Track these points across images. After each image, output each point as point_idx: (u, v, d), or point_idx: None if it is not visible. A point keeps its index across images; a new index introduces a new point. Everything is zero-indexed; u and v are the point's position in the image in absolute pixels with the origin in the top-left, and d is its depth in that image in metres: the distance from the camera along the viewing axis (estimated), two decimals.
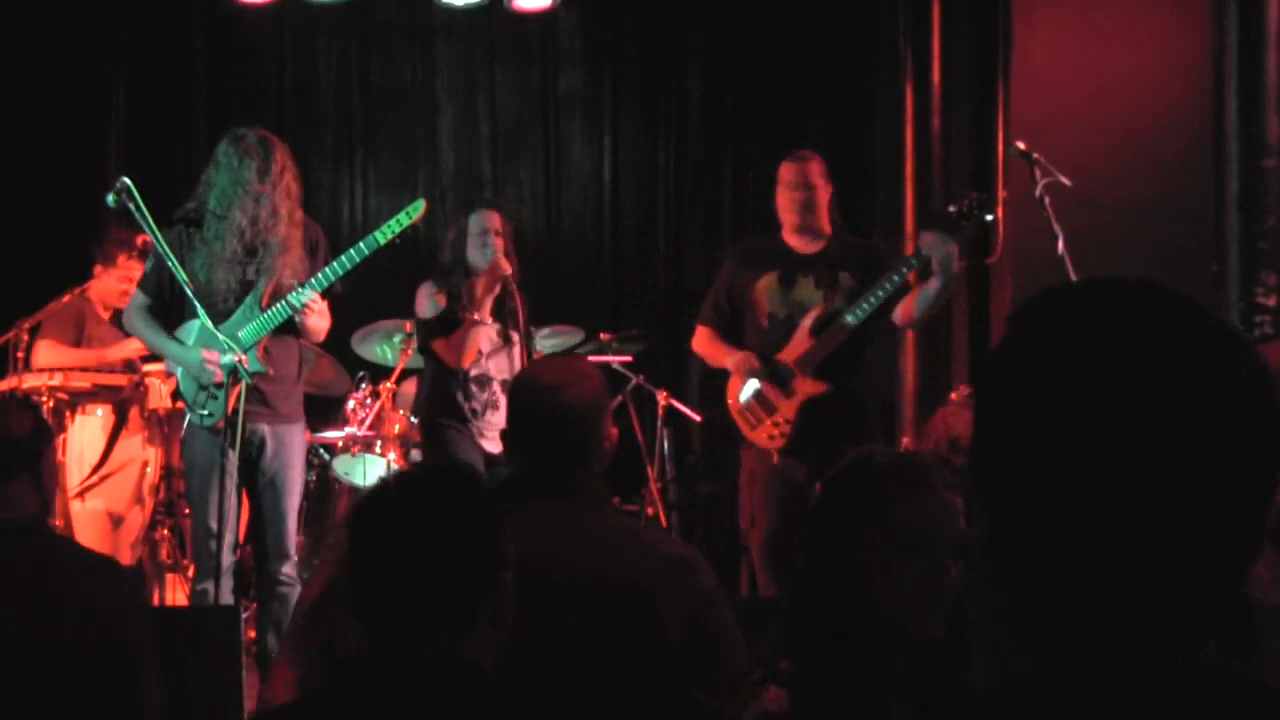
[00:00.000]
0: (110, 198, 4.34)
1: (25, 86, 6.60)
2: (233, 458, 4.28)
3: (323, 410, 6.07)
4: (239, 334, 4.38)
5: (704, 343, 4.95)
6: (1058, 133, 5.68)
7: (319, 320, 4.48)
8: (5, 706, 2.55)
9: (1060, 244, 4.44)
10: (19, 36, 6.64)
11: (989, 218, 4.77)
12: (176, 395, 4.60)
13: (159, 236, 4.30)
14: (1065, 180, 4.51)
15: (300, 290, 4.37)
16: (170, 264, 4.28)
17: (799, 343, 4.72)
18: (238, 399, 4.32)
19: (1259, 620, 2.30)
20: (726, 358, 4.82)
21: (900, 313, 4.68)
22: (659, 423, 6.13)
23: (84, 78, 6.78)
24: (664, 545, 2.57)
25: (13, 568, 2.61)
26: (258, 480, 4.46)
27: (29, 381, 5.45)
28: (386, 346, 5.90)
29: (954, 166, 6.38)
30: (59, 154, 6.61)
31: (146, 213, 4.30)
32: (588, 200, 7.42)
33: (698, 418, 6.31)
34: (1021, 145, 4.61)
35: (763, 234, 5.04)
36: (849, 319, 4.65)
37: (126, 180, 4.33)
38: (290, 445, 4.51)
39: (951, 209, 4.67)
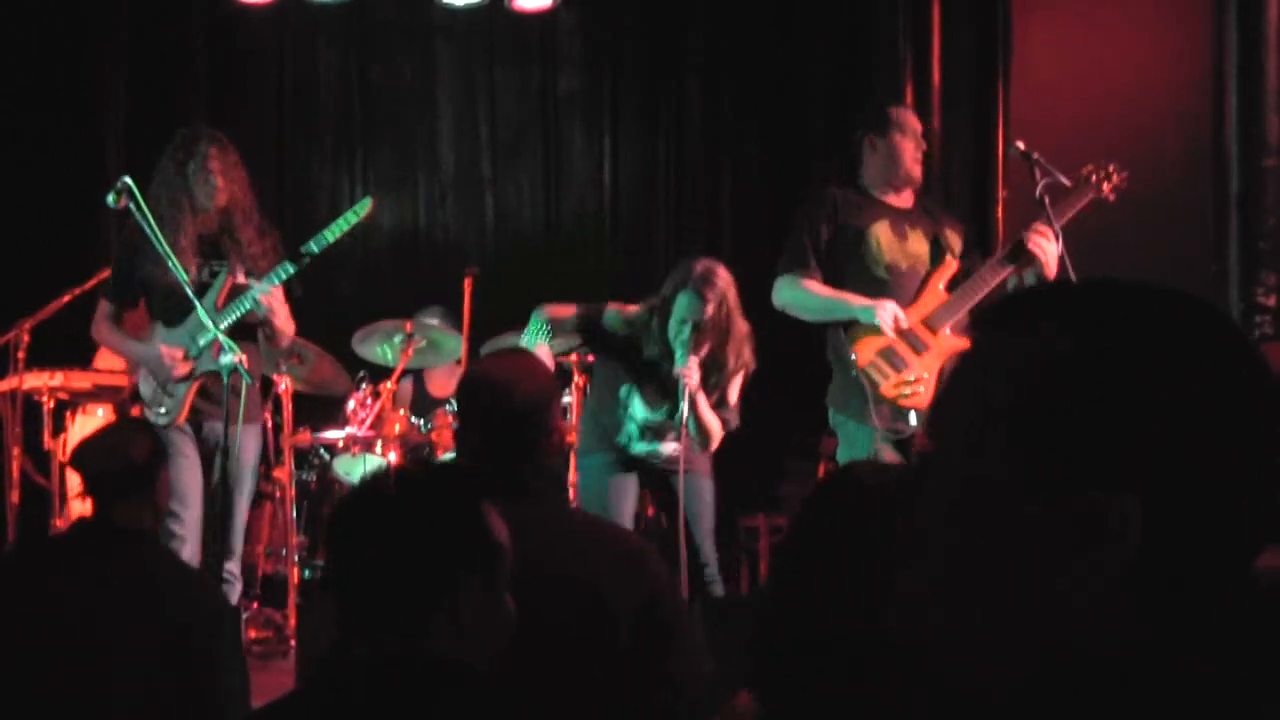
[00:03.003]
0: (110, 197, 4.37)
1: (25, 86, 6.60)
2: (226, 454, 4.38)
3: (323, 410, 6.08)
4: (197, 334, 4.45)
5: (803, 291, 4.49)
6: (1058, 133, 5.68)
7: (284, 320, 4.52)
8: (97, 699, 2.70)
9: (1059, 244, 4.44)
10: (19, 36, 6.64)
11: (1106, 188, 4.54)
12: (134, 396, 4.68)
13: (159, 238, 4.33)
14: (1065, 180, 4.51)
15: (257, 286, 4.43)
16: (171, 264, 4.32)
17: (931, 297, 4.50)
18: (238, 401, 4.36)
19: None
20: (852, 307, 4.42)
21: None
22: None
23: (84, 78, 6.78)
24: (612, 540, 2.55)
25: (122, 572, 2.84)
26: (210, 478, 4.55)
27: (29, 382, 5.46)
28: (387, 347, 5.90)
29: (953, 167, 6.39)
30: (59, 154, 6.61)
31: (148, 213, 4.33)
32: (588, 200, 7.42)
33: None
34: (1021, 145, 4.60)
35: (838, 186, 4.64)
36: (988, 276, 4.41)
37: (127, 180, 4.36)
38: (244, 446, 4.57)
39: (1085, 170, 4.51)
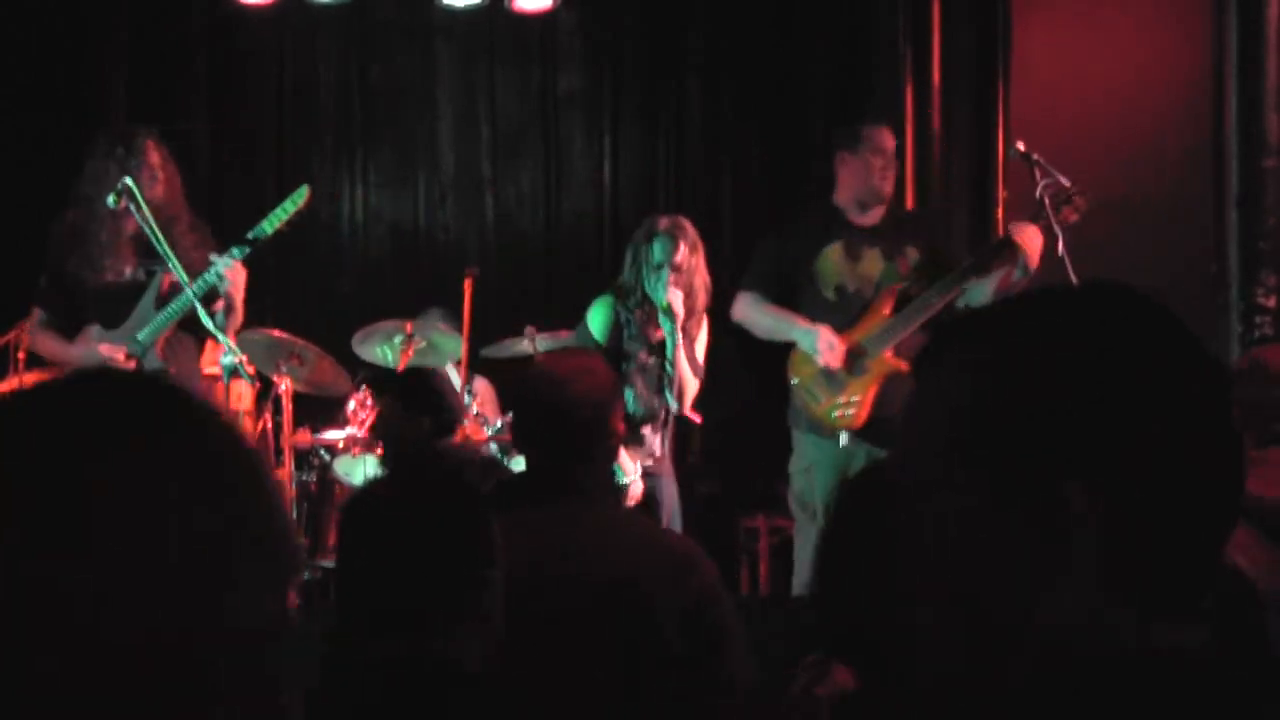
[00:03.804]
0: (110, 198, 4.37)
1: (25, 86, 6.60)
2: None
3: (323, 410, 6.07)
4: (137, 333, 4.43)
5: (756, 310, 4.75)
6: (1058, 133, 5.68)
7: (241, 302, 4.45)
8: None
9: (1060, 244, 4.45)
10: (19, 36, 6.64)
11: (1071, 219, 4.54)
12: None
13: (159, 238, 4.33)
14: (1065, 180, 4.52)
15: (213, 265, 4.38)
16: (171, 264, 4.32)
17: (874, 319, 4.61)
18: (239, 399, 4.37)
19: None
20: (794, 329, 4.64)
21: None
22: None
23: (84, 78, 6.78)
24: (665, 544, 2.56)
25: None
26: None
27: (29, 382, 5.45)
28: (387, 347, 5.90)
29: (954, 167, 6.38)
30: (59, 154, 6.59)
31: (148, 213, 4.33)
32: (588, 200, 7.42)
33: (698, 418, 6.31)
34: (1021, 146, 4.61)
35: (811, 204, 4.90)
36: (933, 298, 4.54)
37: (127, 180, 4.36)
38: None
39: (1046, 196, 4.56)
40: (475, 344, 5.74)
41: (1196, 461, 0.92)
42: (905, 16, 6.46)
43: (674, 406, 4.74)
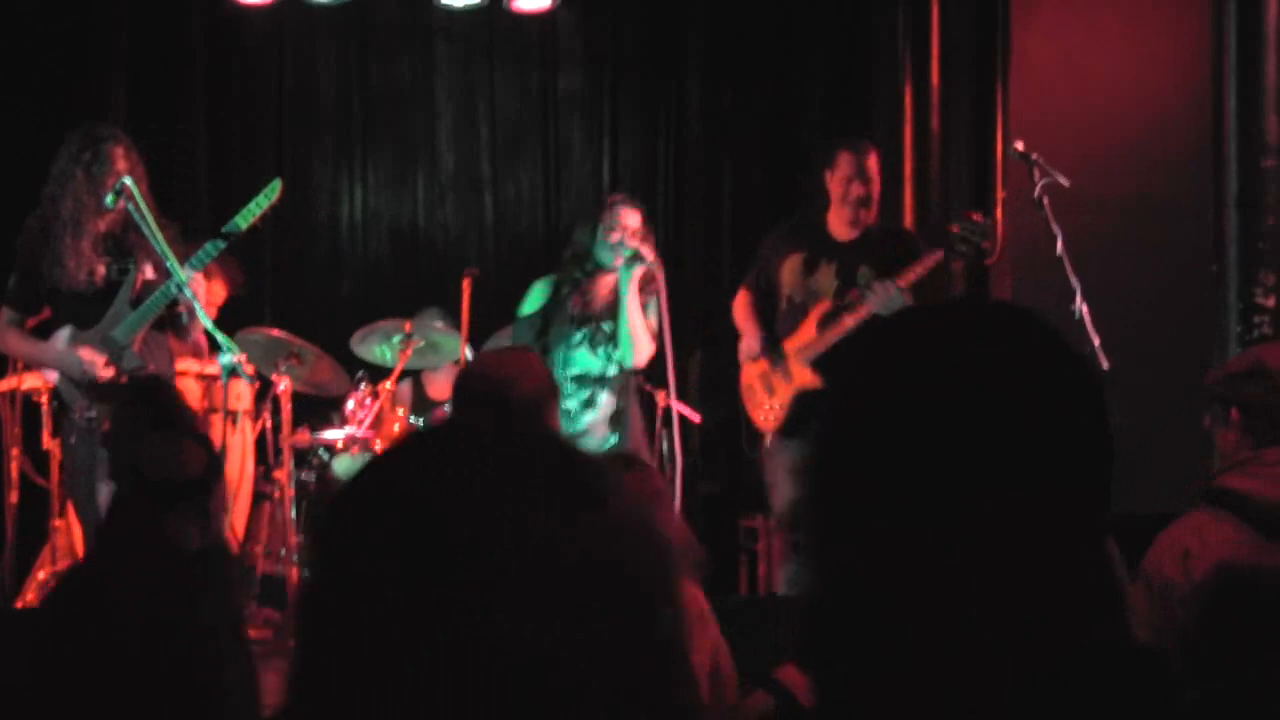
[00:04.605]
0: (110, 198, 4.38)
1: (25, 87, 6.60)
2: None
3: (322, 410, 6.08)
4: (113, 332, 4.42)
5: (740, 310, 5.13)
6: (1057, 133, 5.68)
7: (203, 310, 4.46)
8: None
9: (1059, 244, 4.45)
10: (19, 36, 6.64)
11: (985, 245, 4.75)
12: (55, 398, 4.61)
13: (159, 238, 4.33)
14: (1064, 180, 4.52)
15: (178, 274, 4.37)
16: (170, 264, 4.32)
17: (805, 331, 4.84)
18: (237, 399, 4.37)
19: None
20: (746, 335, 5.03)
21: None
22: (658, 423, 6.12)
23: (84, 78, 6.78)
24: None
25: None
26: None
27: (29, 382, 5.46)
28: (386, 347, 5.91)
29: (953, 167, 6.38)
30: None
31: (147, 213, 4.33)
32: (588, 200, 7.41)
33: (697, 418, 6.31)
34: (1020, 146, 4.62)
35: (811, 212, 5.16)
36: (844, 316, 4.80)
37: (127, 180, 4.37)
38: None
39: (953, 228, 4.75)
40: (475, 344, 5.74)
41: (1058, 463, 0.93)
42: (904, 17, 6.46)
43: (627, 364, 4.79)
